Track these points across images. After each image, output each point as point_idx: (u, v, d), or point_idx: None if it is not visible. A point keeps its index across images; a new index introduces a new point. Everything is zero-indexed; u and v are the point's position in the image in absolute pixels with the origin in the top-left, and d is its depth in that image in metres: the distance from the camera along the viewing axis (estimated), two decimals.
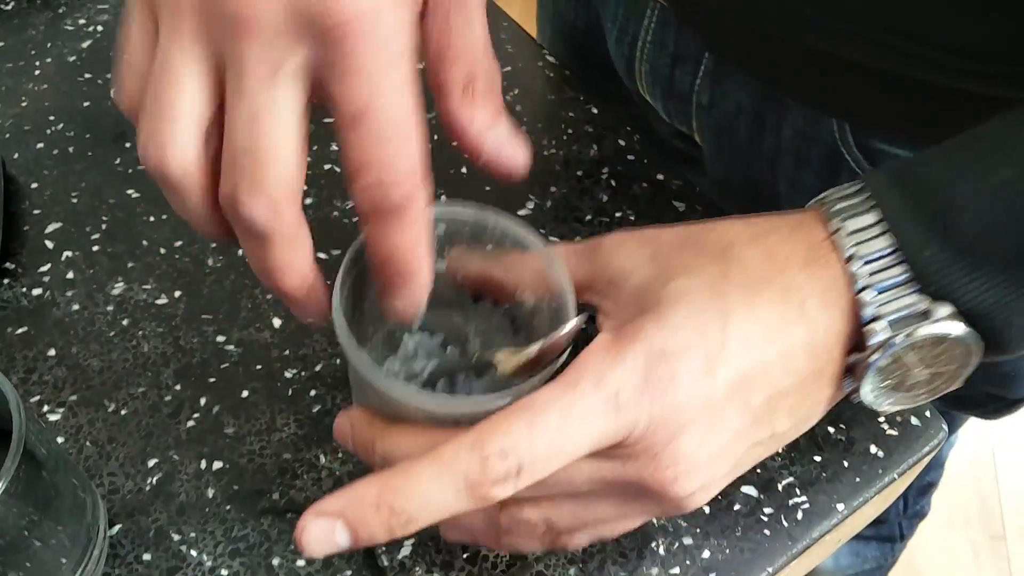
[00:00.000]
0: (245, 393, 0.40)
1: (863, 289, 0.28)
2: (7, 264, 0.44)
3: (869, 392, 0.30)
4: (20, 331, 0.42)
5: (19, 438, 0.30)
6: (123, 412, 0.39)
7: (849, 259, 0.28)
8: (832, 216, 0.29)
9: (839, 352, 0.29)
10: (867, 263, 0.28)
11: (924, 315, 0.27)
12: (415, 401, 0.29)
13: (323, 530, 0.26)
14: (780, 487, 0.37)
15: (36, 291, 0.43)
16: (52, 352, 0.41)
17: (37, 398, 0.40)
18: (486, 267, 0.33)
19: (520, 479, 0.26)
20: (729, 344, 0.27)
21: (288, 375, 0.40)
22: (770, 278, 0.28)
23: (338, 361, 0.41)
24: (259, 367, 0.41)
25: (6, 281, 0.44)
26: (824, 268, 0.28)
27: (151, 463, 0.38)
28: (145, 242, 0.45)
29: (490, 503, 0.26)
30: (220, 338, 0.42)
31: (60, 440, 0.38)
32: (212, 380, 0.40)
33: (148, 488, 0.37)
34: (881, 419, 0.39)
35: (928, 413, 0.39)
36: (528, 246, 0.32)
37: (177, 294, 0.43)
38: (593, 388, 0.26)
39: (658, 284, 0.29)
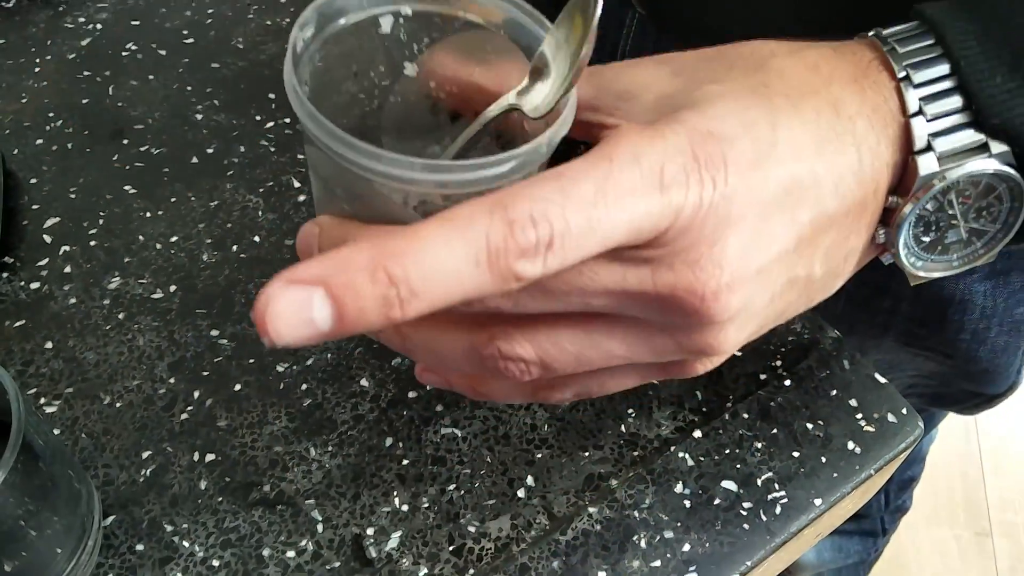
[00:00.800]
0: (238, 387, 0.40)
1: (915, 115, 0.25)
2: (6, 258, 0.45)
3: (902, 246, 0.27)
4: (18, 324, 0.42)
5: (18, 429, 0.30)
6: (118, 405, 0.40)
7: (903, 80, 0.25)
8: (883, 40, 0.26)
9: (884, 185, 0.26)
10: (920, 86, 0.25)
11: (980, 150, 0.25)
12: (398, 170, 0.23)
13: (296, 302, 0.19)
14: (759, 482, 0.38)
15: (34, 285, 0.44)
16: (49, 345, 0.42)
17: (34, 390, 0.40)
18: (464, 71, 0.28)
19: (550, 256, 0.20)
20: (779, 144, 0.23)
21: (280, 369, 0.41)
22: (815, 90, 0.25)
23: (329, 355, 0.41)
24: (251, 361, 0.41)
25: (5, 275, 0.44)
26: (873, 88, 0.25)
27: (145, 455, 0.38)
28: (141, 237, 0.46)
29: (510, 286, 0.21)
30: (214, 332, 0.42)
31: (56, 432, 0.39)
32: (205, 374, 0.41)
33: (142, 480, 0.38)
34: (859, 416, 0.39)
35: (904, 410, 0.40)
36: (519, 29, 0.27)
37: (172, 288, 0.44)
38: (631, 162, 0.21)
39: (686, 92, 0.25)
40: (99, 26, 0.56)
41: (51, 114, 0.51)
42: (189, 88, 0.52)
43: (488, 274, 0.20)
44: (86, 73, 0.53)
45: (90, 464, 0.38)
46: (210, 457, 0.38)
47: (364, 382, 0.40)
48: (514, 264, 0.20)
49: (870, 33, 0.26)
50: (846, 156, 0.24)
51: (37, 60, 0.54)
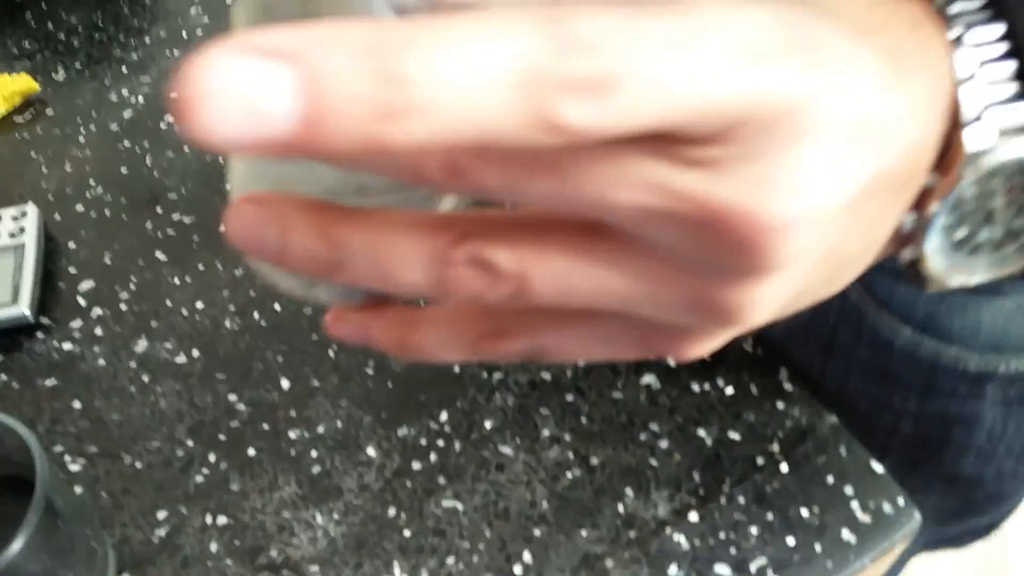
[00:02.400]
0: (252, 452, 0.42)
1: (966, 81, 0.22)
2: (42, 319, 0.47)
3: (932, 236, 0.23)
4: (49, 383, 0.45)
5: (42, 492, 0.32)
6: (138, 465, 0.42)
7: (955, 42, 0.22)
8: None
9: (927, 159, 0.22)
10: (974, 48, 0.22)
11: None
12: None
13: (248, 77, 0.13)
14: (753, 568, 0.38)
15: (67, 346, 0.46)
16: (77, 404, 0.44)
17: (60, 448, 0.42)
18: None
19: (607, 104, 0.14)
20: (857, 67, 0.18)
21: (292, 436, 0.43)
22: (874, 29, 0.21)
23: (339, 424, 0.43)
24: (266, 427, 0.43)
25: (40, 335, 0.47)
26: (929, 42, 0.22)
27: (160, 515, 0.40)
28: (169, 302, 0.48)
29: (540, 135, 0.14)
30: (232, 397, 0.44)
31: (78, 490, 0.41)
32: (222, 438, 0.43)
33: (156, 540, 0.40)
34: (854, 504, 0.40)
35: (901, 501, 0.40)
36: None
37: (195, 353, 0.46)
38: (721, 22, 0.16)
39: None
40: (141, 99, 0.60)
41: (92, 181, 0.54)
42: (221, 160, 0.56)
43: (519, 105, 0.14)
44: (126, 144, 0.57)
45: (108, 522, 0.40)
46: (222, 520, 0.40)
47: (371, 451, 0.42)
48: (556, 100, 0.14)
49: None
50: (910, 109, 0.20)
51: (82, 130, 0.57)
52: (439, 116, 0.13)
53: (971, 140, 0.21)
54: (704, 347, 0.21)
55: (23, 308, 0.46)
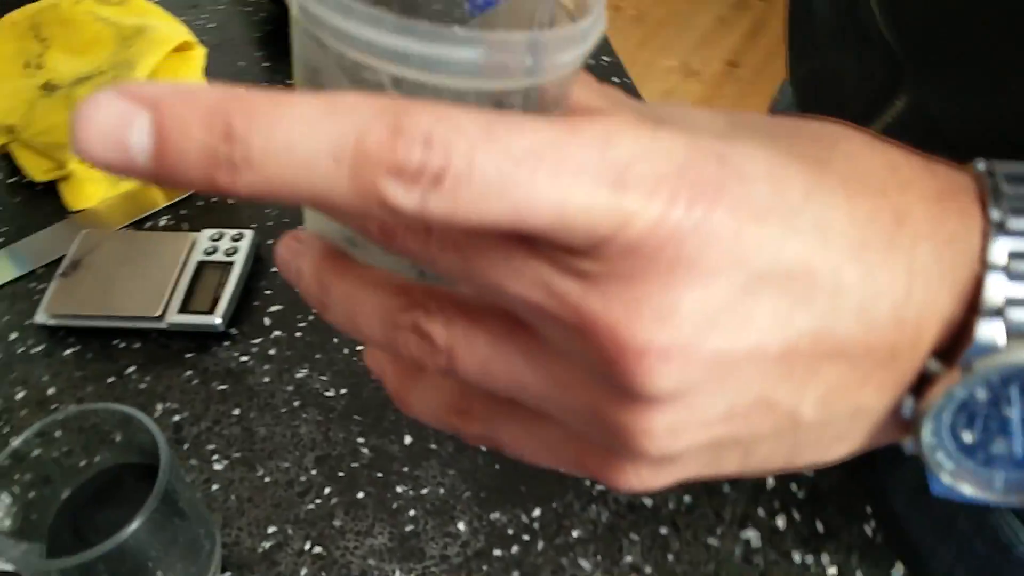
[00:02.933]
0: (361, 494, 0.46)
1: (996, 269, 0.20)
2: (232, 330, 0.55)
3: (930, 433, 0.21)
4: (221, 388, 0.52)
5: (161, 484, 0.38)
6: (266, 479, 0.48)
7: (995, 226, 0.20)
8: (991, 174, 0.21)
9: (927, 340, 0.20)
10: (1014, 236, 0.20)
11: None
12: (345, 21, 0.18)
13: (117, 116, 0.15)
14: None
15: (244, 358, 0.54)
16: (236, 412, 0.51)
17: (213, 446, 0.49)
18: None
19: (435, 195, 0.16)
20: (804, 215, 0.18)
21: (399, 489, 0.47)
22: (883, 190, 0.20)
23: (442, 491, 0.46)
24: (379, 475, 0.47)
25: (226, 344, 0.54)
26: (957, 217, 0.20)
27: (270, 530, 0.45)
28: (335, 339, 0.54)
29: (373, 208, 0.16)
30: (360, 439, 0.49)
31: (215, 487, 0.47)
32: (340, 474, 0.47)
33: (260, 551, 0.45)
34: None
35: None
36: None
37: (342, 391, 0.51)
38: (598, 142, 0.17)
39: (725, 134, 0.20)
40: None
41: None
42: None
43: (347, 179, 0.16)
44: None
45: (229, 523, 0.46)
46: (317, 549, 0.45)
47: (461, 525, 0.45)
48: (382, 180, 0.16)
49: (979, 164, 0.21)
50: (891, 278, 0.19)
51: None
52: (270, 176, 0.16)
53: (983, 334, 0.19)
54: (632, 478, 0.21)
55: (216, 318, 0.53)
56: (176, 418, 0.51)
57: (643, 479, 0.21)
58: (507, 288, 0.18)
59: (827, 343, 0.19)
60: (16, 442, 0.39)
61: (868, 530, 0.42)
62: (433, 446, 0.48)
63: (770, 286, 0.18)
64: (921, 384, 0.21)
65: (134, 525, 0.37)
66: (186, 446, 0.49)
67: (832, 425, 0.21)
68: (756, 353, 0.18)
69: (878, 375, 0.20)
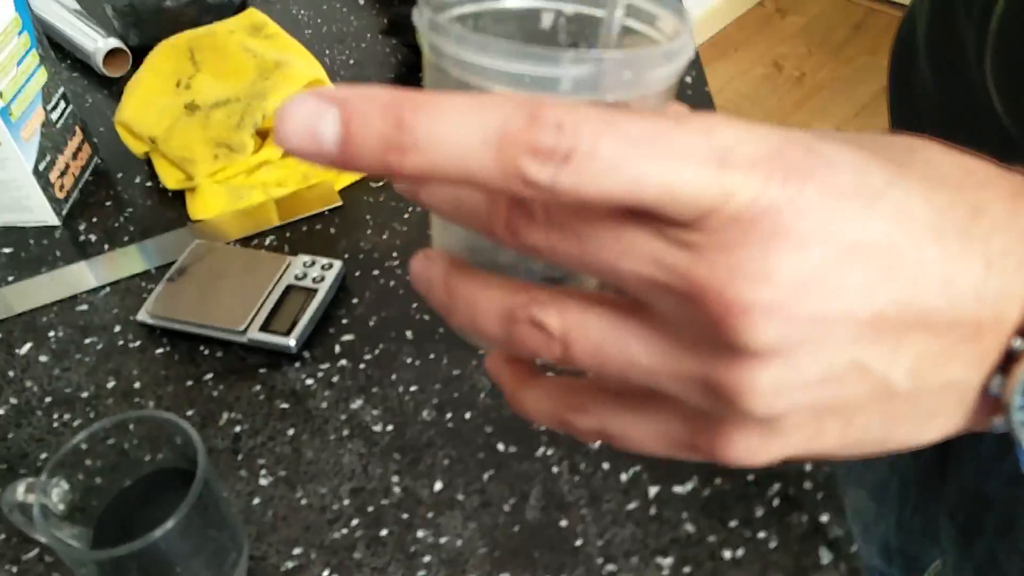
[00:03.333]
0: (384, 532, 0.49)
1: None
2: (304, 352, 0.59)
3: (1018, 410, 0.22)
4: (283, 406, 0.56)
5: (193, 497, 0.41)
6: (303, 501, 0.51)
7: None
8: None
9: (1010, 322, 0.22)
10: None
11: None
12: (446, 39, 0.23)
13: (311, 113, 0.19)
14: None
15: (308, 381, 0.57)
16: (291, 432, 0.54)
17: (263, 461, 0.53)
18: None
19: (564, 171, 0.19)
20: (886, 199, 0.20)
21: (419, 534, 0.48)
22: (960, 185, 0.22)
23: (459, 543, 0.48)
24: (405, 516, 0.49)
25: (297, 365, 0.58)
26: None
27: (296, 551, 0.48)
28: (394, 376, 0.57)
29: (514, 185, 0.19)
30: (394, 478, 0.51)
31: (256, 500, 0.51)
32: (370, 509, 0.50)
33: (283, 570, 0.48)
34: None
35: None
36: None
37: (389, 427, 0.54)
38: (701, 132, 0.19)
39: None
40: None
41: (395, 254, 0.66)
42: None
43: (493, 159, 0.19)
44: None
45: (262, 537, 0.49)
46: None
47: None
48: (521, 158, 0.19)
49: None
50: (969, 263, 0.21)
51: (409, 211, 0.69)
52: (432, 157, 0.19)
53: None
54: (741, 447, 0.23)
55: (291, 340, 0.57)
56: (237, 428, 0.55)
57: (751, 448, 0.23)
58: (621, 266, 0.21)
59: (913, 312, 0.21)
60: (82, 435, 0.44)
61: None
62: (460, 496, 0.50)
63: (858, 257, 0.20)
64: (1008, 362, 0.22)
65: (163, 528, 0.40)
66: (240, 456, 0.53)
67: (924, 398, 0.22)
68: (848, 317, 0.20)
69: (964, 350, 0.22)
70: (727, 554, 0.46)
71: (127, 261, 0.67)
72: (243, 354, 0.59)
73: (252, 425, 0.55)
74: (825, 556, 0.46)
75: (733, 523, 0.48)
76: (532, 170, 0.19)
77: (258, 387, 0.57)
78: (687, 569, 0.46)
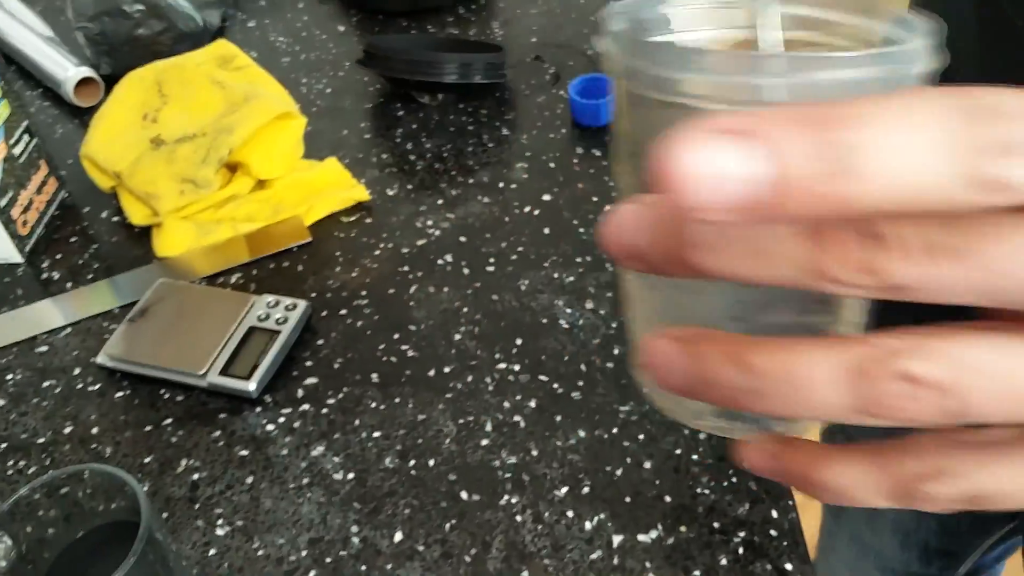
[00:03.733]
0: None
1: None
2: (266, 396, 0.59)
3: None
4: (242, 453, 0.55)
5: (137, 550, 0.41)
6: (259, 553, 0.50)
7: None
8: None
9: None
10: None
11: None
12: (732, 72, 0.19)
13: (721, 152, 0.15)
14: None
15: (269, 427, 0.57)
16: (250, 480, 0.54)
17: (220, 510, 0.52)
18: None
19: None
20: None
21: None
22: None
23: None
24: (363, 567, 0.49)
25: (258, 410, 0.58)
26: None
27: None
28: (357, 422, 0.56)
29: (982, 195, 0.16)
30: (354, 528, 0.51)
31: (212, 551, 0.50)
32: (328, 560, 0.49)
33: None
34: None
35: None
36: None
37: (350, 476, 0.53)
38: None
39: None
40: (437, 233, 0.70)
41: (363, 292, 0.65)
42: (465, 309, 0.63)
43: (954, 167, 0.15)
44: (405, 268, 0.67)
45: None
46: None
47: None
48: (979, 159, 0.15)
49: None
50: None
51: (380, 246, 0.69)
52: (883, 181, 0.15)
53: None
54: None
55: (251, 385, 0.57)
56: (195, 476, 0.54)
57: None
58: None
59: None
60: (22, 491, 0.43)
61: None
62: (420, 547, 0.49)
63: None
64: None
65: None
66: (197, 506, 0.53)
67: None
68: None
69: None
70: None
71: (92, 299, 0.67)
72: (204, 398, 0.59)
73: (211, 472, 0.54)
74: None
75: (696, 572, 0.47)
76: (1007, 170, 0.15)
77: (217, 432, 0.57)
78: None
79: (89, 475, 0.45)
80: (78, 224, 0.75)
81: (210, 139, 0.69)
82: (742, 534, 0.49)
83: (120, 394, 0.60)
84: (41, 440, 0.57)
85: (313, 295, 0.66)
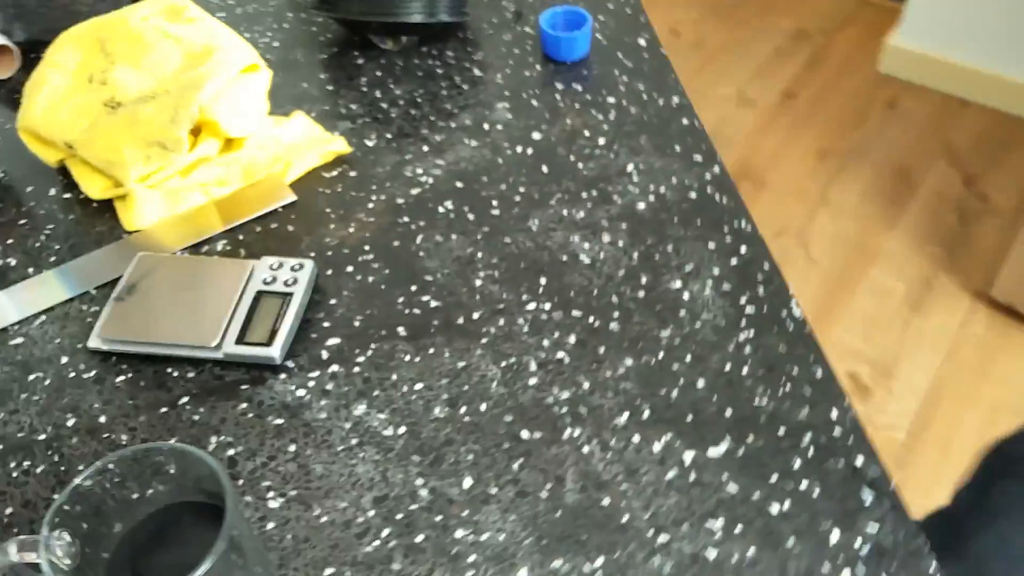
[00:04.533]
0: (420, 538, 0.48)
1: None
2: (288, 362, 0.57)
3: None
4: (277, 422, 0.54)
5: (226, 533, 0.39)
6: (323, 519, 0.49)
7: None
8: None
9: None
10: None
11: None
12: None
13: None
14: None
15: (300, 392, 0.55)
16: (292, 448, 0.52)
17: (268, 483, 0.51)
18: None
19: None
20: None
21: (458, 534, 0.48)
22: None
23: (502, 536, 0.47)
24: (439, 518, 0.49)
25: (283, 376, 0.56)
26: None
27: (327, 572, 0.47)
28: (395, 376, 0.56)
29: None
30: (419, 481, 0.50)
31: (271, 525, 0.49)
32: (399, 517, 0.49)
33: None
34: None
35: None
36: None
37: (401, 430, 0.53)
38: None
39: None
40: (430, 180, 0.69)
41: (367, 247, 0.64)
42: (480, 255, 0.63)
43: None
44: (405, 219, 0.66)
45: (284, 563, 0.47)
46: None
47: (523, 572, 0.46)
48: None
49: None
50: None
51: (373, 198, 0.68)
52: None
53: None
54: None
55: (274, 351, 0.55)
56: (231, 452, 0.52)
57: None
58: None
59: None
60: (79, 480, 0.41)
61: None
62: (493, 490, 0.49)
63: None
64: None
65: (203, 569, 0.38)
66: (240, 482, 0.51)
67: None
68: None
69: None
70: (774, 509, 0.48)
71: (61, 283, 0.63)
72: (218, 371, 0.57)
73: (247, 447, 0.53)
74: (868, 497, 0.48)
75: (774, 478, 0.49)
76: None
77: (244, 405, 0.55)
78: (738, 529, 0.47)
79: (146, 454, 0.42)
80: (23, 205, 0.70)
81: (175, 97, 0.66)
82: (808, 436, 0.51)
83: (121, 378, 0.57)
84: (42, 437, 0.54)
85: (312, 255, 0.64)
